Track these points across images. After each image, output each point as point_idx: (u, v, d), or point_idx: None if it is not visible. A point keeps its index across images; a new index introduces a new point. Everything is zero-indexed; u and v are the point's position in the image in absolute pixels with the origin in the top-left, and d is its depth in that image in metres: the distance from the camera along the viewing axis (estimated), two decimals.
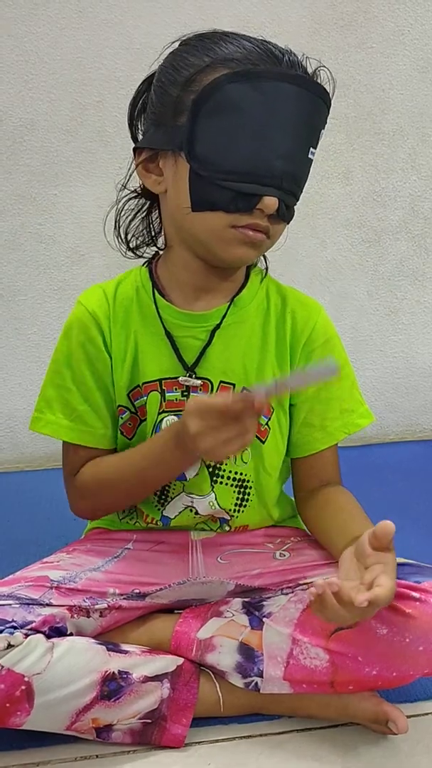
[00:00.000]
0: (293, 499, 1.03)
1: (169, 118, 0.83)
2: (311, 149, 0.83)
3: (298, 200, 0.85)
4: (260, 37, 0.82)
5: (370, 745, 0.87)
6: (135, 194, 0.95)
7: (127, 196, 0.95)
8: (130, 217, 0.96)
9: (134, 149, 0.89)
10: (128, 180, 0.94)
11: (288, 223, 0.87)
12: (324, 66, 0.84)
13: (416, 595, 0.82)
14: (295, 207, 0.86)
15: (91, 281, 1.56)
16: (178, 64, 0.82)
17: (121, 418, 0.95)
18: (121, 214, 0.96)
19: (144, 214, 0.96)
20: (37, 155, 1.50)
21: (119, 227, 0.96)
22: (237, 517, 0.97)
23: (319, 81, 0.83)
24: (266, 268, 0.98)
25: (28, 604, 0.85)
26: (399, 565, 0.87)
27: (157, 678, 0.87)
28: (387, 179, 1.62)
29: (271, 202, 0.81)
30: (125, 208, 0.96)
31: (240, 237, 0.83)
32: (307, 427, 0.96)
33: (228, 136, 0.79)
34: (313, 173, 1.55)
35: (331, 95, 0.84)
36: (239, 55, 0.79)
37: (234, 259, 0.86)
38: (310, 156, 0.83)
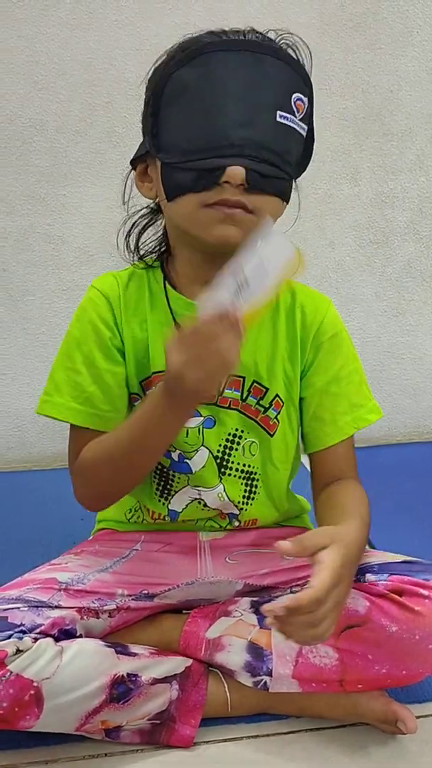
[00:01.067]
0: (301, 497, 1.04)
1: (146, 124, 0.85)
2: (280, 113, 0.80)
3: (284, 170, 0.82)
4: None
5: (379, 746, 0.87)
6: (148, 210, 0.96)
7: (136, 212, 0.96)
8: (139, 229, 0.96)
9: (131, 163, 0.90)
10: (130, 194, 0.93)
11: (281, 197, 0.84)
12: (288, 33, 0.83)
13: (425, 592, 0.82)
14: (287, 180, 0.83)
15: None
16: (152, 75, 0.84)
17: (135, 405, 0.94)
18: (132, 229, 0.96)
19: (157, 226, 0.97)
20: (46, 156, 1.50)
21: (130, 241, 0.96)
22: (246, 510, 0.97)
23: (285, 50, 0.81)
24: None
25: (37, 606, 0.85)
26: (407, 563, 0.88)
27: (166, 680, 0.87)
28: (395, 180, 1.62)
29: (234, 172, 0.78)
30: (137, 222, 0.96)
31: (215, 215, 0.80)
32: (317, 421, 0.95)
33: (184, 119, 0.80)
34: (321, 174, 1.58)
35: (302, 60, 0.83)
36: (190, 43, 0.80)
37: (218, 241, 0.82)
38: (280, 120, 0.80)
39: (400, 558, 0.89)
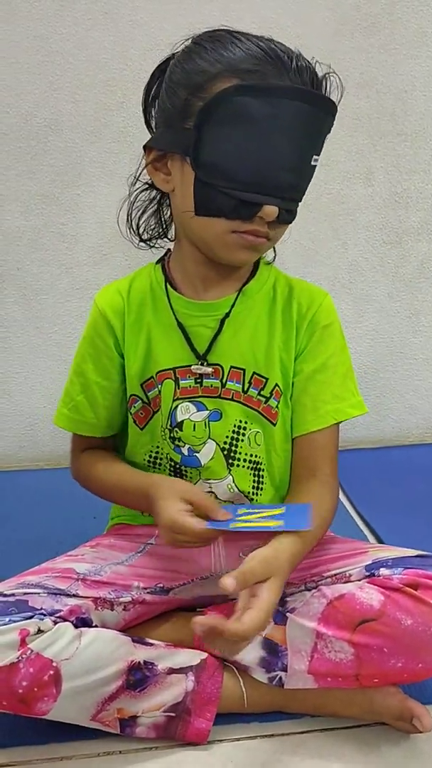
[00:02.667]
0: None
1: (177, 121, 0.84)
2: (314, 156, 0.85)
3: (299, 203, 0.88)
4: (269, 37, 0.83)
5: (393, 746, 0.87)
6: (147, 186, 0.98)
7: (139, 188, 0.99)
8: (141, 210, 1.00)
9: (144, 147, 0.91)
10: (139, 175, 0.97)
11: (289, 224, 0.89)
12: (333, 71, 0.86)
13: None
14: (297, 209, 0.89)
15: (112, 281, 1.58)
16: (188, 67, 0.83)
17: (134, 407, 0.98)
18: (134, 207, 1.00)
19: (155, 206, 1.00)
20: (60, 155, 1.51)
21: (131, 219, 1.00)
22: (256, 500, 0.98)
23: (327, 85, 0.85)
24: (273, 258, 1.01)
25: (56, 594, 0.86)
26: (422, 557, 0.88)
27: (182, 670, 0.87)
28: (409, 180, 1.62)
29: (271, 211, 0.83)
30: (138, 199, 0.99)
31: (241, 242, 0.86)
32: (299, 406, 0.97)
33: (234, 146, 0.81)
34: (335, 174, 1.58)
35: (339, 99, 0.85)
36: (249, 63, 0.80)
37: (235, 261, 0.91)
38: (313, 163, 0.86)
39: (414, 552, 0.90)
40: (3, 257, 1.56)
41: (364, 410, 0.99)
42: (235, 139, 0.80)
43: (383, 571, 0.86)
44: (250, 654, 0.88)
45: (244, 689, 0.89)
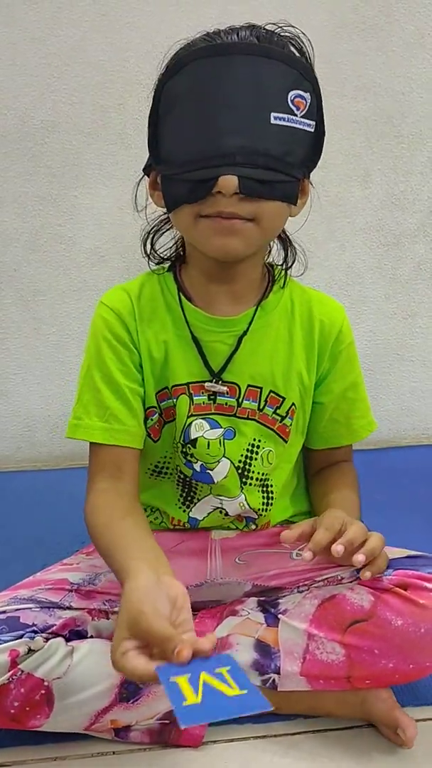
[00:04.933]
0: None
1: (148, 136, 0.85)
2: (274, 114, 0.78)
3: (284, 172, 0.80)
4: (248, 24, 0.82)
5: (385, 749, 0.87)
6: (164, 214, 0.95)
7: (159, 218, 0.97)
8: (153, 235, 0.98)
9: (144, 170, 0.91)
10: (146, 200, 0.93)
11: (284, 200, 0.82)
12: (289, 26, 0.82)
13: (430, 585, 0.83)
14: (290, 182, 0.81)
15: (110, 282, 1.57)
16: (155, 84, 0.84)
17: (150, 420, 0.95)
18: (149, 234, 0.97)
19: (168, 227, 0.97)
20: (58, 157, 1.51)
21: (148, 242, 0.97)
22: (264, 515, 0.98)
23: (285, 45, 0.80)
24: (286, 269, 0.98)
25: (49, 607, 0.86)
26: (412, 557, 0.89)
27: None
28: (406, 182, 1.62)
29: (225, 182, 0.77)
30: (154, 227, 0.97)
31: (212, 226, 0.81)
32: (333, 423, 0.99)
33: (178, 130, 0.80)
34: (332, 176, 1.58)
35: (301, 50, 0.81)
36: (181, 51, 0.80)
37: (217, 252, 0.83)
38: (275, 122, 0.78)
39: (404, 553, 0.90)
40: (1, 259, 1.57)
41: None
42: (177, 123, 0.80)
43: None
44: (244, 657, 0.88)
45: None
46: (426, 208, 1.65)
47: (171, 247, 0.98)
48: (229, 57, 0.77)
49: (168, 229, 0.97)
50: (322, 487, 1.00)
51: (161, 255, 0.98)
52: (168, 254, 0.98)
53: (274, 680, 0.87)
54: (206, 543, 0.99)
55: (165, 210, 0.91)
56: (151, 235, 0.97)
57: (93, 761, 0.86)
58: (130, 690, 0.85)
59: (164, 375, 0.93)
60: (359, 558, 0.78)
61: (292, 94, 0.79)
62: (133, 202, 0.94)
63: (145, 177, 0.91)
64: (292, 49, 0.82)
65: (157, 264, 0.97)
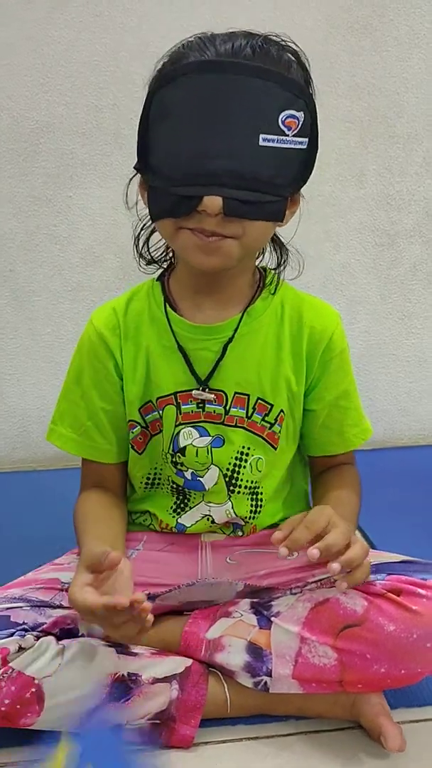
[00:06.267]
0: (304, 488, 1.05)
1: (138, 141, 0.84)
2: (263, 136, 0.76)
3: (271, 193, 0.79)
4: (243, 32, 0.80)
5: (378, 750, 0.87)
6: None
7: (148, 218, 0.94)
8: (147, 235, 0.96)
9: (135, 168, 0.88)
10: (136, 199, 0.91)
11: (273, 220, 0.82)
12: (285, 39, 0.80)
13: (423, 591, 0.83)
14: (277, 202, 0.80)
15: (105, 283, 1.58)
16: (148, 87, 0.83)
17: (132, 432, 0.96)
18: (142, 230, 0.96)
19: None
20: (52, 157, 1.51)
21: (139, 244, 0.96)
22: (250, 523, 0.98)
23: (281, 58, 0.78)
24: (278, 273, 0.96)
25: (39, 606, 0.86)
26: (405, 562, 0.89)
27: (166, 679, 0.87)
28: (401, 182, 1.62)
29: (211, 202, 0.76)
30: (145, 226, 0.96)
31: (192, 240, 0.80)
32: (325, 430, 0.98)
33: (167, 143, 0.78)
34: (327, 176, 1.58)
35: (297, 62, 0.80)
36: (175, 57, 0.79)
37: (196, 265, 0.83)
38: (264, 144, 0.76)
39: (398, 558, 0.90)
40: None
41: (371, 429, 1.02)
42: (166, 136, 0.78)
43: None
44: (236, 659, 0.88)
45: (228, 695, 0.89)
46: (421, 209, 1.65)
47: (162, 249, 0.97)
48: (221, 75, 0.75)
49: (155, 231, 0.95)
50: (321, 488, 0.99)
51: (152, 255, 0.97)
52: (158, 256, 0.97)
53: (265, 683, 0.87)
54: (196, 543, 0.99)
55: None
56: (142, 235, 0.96)
57: None
58: (121, 690, 0.85)
59: (148, 389, 0.94)
60: (334, 567, 0.77)
61: (283, 114, 0.77)
62: (124, 199, 0.92)
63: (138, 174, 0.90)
64: (289, 58, 0.80)
65: (147, 264, 0.97)
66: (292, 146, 0.79)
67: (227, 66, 0.75)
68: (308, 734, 0.89)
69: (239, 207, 0.77)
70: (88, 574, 0.78)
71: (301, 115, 0.79)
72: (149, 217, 0.93)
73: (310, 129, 0.81)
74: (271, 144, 0.77)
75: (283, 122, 0.78)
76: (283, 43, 0.80)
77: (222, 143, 0.76)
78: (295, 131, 0.79)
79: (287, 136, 0.78)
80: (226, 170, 0.76)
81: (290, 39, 0.82)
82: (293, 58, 0.80)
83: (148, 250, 0.96)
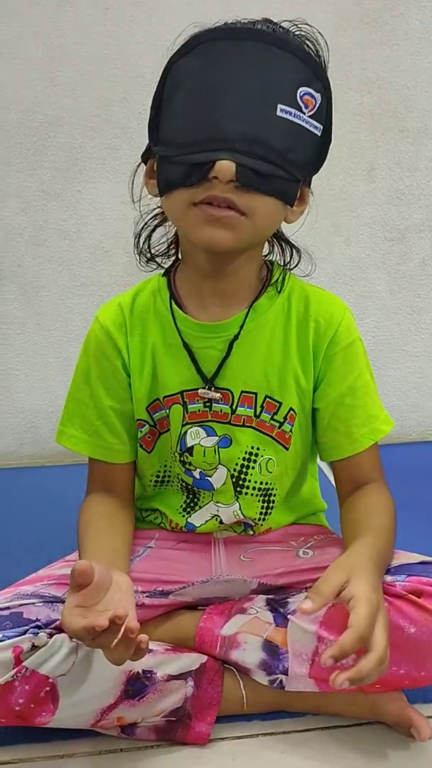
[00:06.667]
0: (315, 486, 1.03)
1: (150, 118, 0.83)
2: (281, 106, 0.75)
3: (283, 168, 0.77)
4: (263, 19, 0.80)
5: (396, 746, 0.86)
6: (160, 208, 0.92)
7: (152, 212, 0.93)
8: (150, 230, 0.94)
9: (142, 157, 0.87)
10: (140, 192, 0.90)
11: (280, 198, 0.79)
12: (305, 24, 0.79)
13: None
14: (288, 180, 0.78)
15: (114, 277, 1.58)
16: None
17: (140, 431, 0.94)
18: (143, 230, 0.93)
19: (160, 220, 0.94)
20: (61, 151, 1.51)
21: (140, 240, 0.94)
22: (261, 524, 0.97)
23: (295, 38, 0.77)
24: (285, 266, 0.94)
25: (52, 602, 0.85)
26: (423, 563, 0.87)
27: (181, 676, 0.87)
28: (411, 177, 1.61)
29: (223, 166, 0.73)
30: (148, 222, 0.94)
31: (202, 215, 0.77)
32: (332, 432, 0.93)
33: (182, 111, 0.77)
34: (337, 170, 1.57)
35: (316, 51, 0.79)
36: (196, 33, 0.78)
37: (204, 243, 0.80)
38: (281, 114, 0.75)
39: (417, 558, 0.89)
40: (3, 254, 1.56)
41: (392, 424, 0.96)
42: (181, 103, 0.77)
43: (386, 577, 0.84)
44: (251, 656, 0.88)
45: (244, 692, 0.89)
46: (431, 203, 1.64)
47: (162, 246, 0.94)
48: (242, 41, 0.75)
49: (160, 225, 0.93)
50: (349, 515, 0.92)
51: (152, 252, 0.94)
52: (162, 251, 0.95)
53: (281, 681, 0.87)
54: (209, 540, 0.99)
55: (159, 201, 0.88)
56: (145, 230, 0.94)
57: (100, 759, 0.86)
58: (135, 687, 0.84)
59: (155, 387, 0.92)
60: (338, 681, 0.69)
61: (301, 90, 0.77)
62: (129, 192, 0.90)
63: (143, 166, 0.88)
64: (308, 48, 0.79)
65: (147, 262, 0.94)
66: (307, 126, 0.78)
67: (247, 33, 0.75)
68: (325, 730, 0.89)
69: (251, 176, 0.75)
70: (75, 594, 0.74)
71: (318, 96, 0.78)
72: (152, 212, 0.92)
73: (325, 116, 0.81)
74: (287, 117, 0.76)
75: (301, 98, 0.77)
76: (303, 27, 0.80)
77: (237, 107, 0.75)
78: (312, 112, 0.78)
79: (304, 113, 0.77)
80: (239, 134, 0.74)
81: (306, 22, 0.81)
82: (314, 44, 0.80)
83: (149, 248, 0.94)
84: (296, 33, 0.80)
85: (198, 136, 0.75)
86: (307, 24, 0.80)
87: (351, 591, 0.72)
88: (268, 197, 0.78)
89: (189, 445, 0.92)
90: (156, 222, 0.93)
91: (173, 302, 0.91)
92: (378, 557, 0.80)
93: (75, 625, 0.71)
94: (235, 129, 0.74)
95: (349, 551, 0.80)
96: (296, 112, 0.77)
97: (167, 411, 0.92)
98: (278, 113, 0.75)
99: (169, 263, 0.96)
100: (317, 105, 0.78)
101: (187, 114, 0.77)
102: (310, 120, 0.78)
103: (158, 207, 0.92)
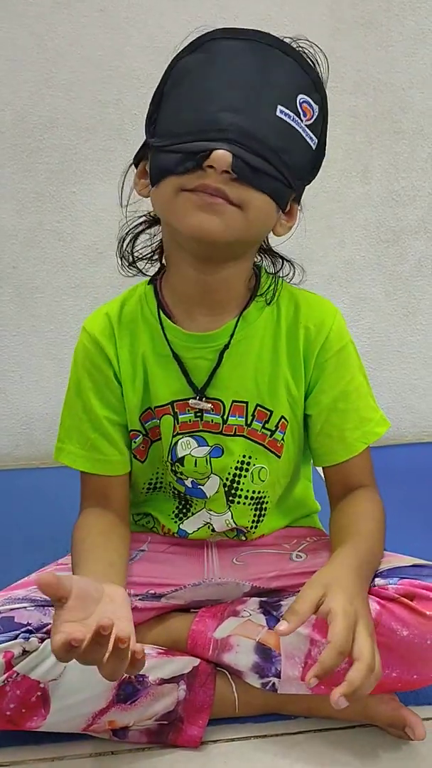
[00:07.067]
0: (308, 488, 1.03)
1: (147, 115, 0.82)
2: (281, 107, 0.75)
3: (277, 168, 0.76)
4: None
5: (388, 748, 0.86)
6: (145, 216, 0.91)
7: (141, 218, 0.92)
8: (133, 236, 0.92)
9: (134, 160, 0.86)
10: (129, 195, 0.89)
11: (272, 198, 0.78)
12: (305, 40, 0.80)
13: None
14: (281, 181, 0.77)
15: (108, 279, 1.58)
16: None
17: (134, 442, 0.93)
18: (127, 233, 0.92)
19: (146, 226, 0.92)
20: (56, 153, 1.50)
21: (123, 246, 0.92)
22: (254, 531, 0.97)
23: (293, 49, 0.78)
24: (275, 283, 0.91)
25: (43, 605, 0.85)
26: (415, 566, 0.87)
27: (173, 680, 0.86)
28: (406, 179, 1.61)
29: (219, 155, 0.72)
30: (131, 230, 0.92)
31: (193, 200, 0.75)
32: (325, 437, 0.92)
33: (180, 103, 0.77)
34: (332, 172, 1.57)
35: (317, 65, 0.79)
36: (201, 36, 0.79)
37: (193, 232, 0.77)
38: (280, 115, 0.75)
39: (409, 561, 0.88)
40: None
41: (388, 425, 0.95)
42: (180, 96, 0.77)
43: (378, 580, 0.84)
44: (244, 659, 0.88)
45: (236, 695, 0.88)
46: (426, 205, 1.64)
47: (145, 250, 0.93)
48: (248, 42, 0.76)
49: (144, 230, 0.92)
50: (338, 521, 0.91)
51: (135, 257, 0.93)
52: (143, 253, 0.93)
53: (273, 684, 0.87)
54: (202, 543, 0.99)
55: (148, 203, 0.86)
56: (129, 236, 0.92)
57: (91, 761, 0.86)
58: (127, 691, 0.84)
59: (147, 396, 0.91)
60: (340, 703, 0.68)
61: (301, 97, 0.77)
62: (119, 194, 0.89)
63: (134, 170, 0.87)
64: (309, 60, 0.80)
65: (129, 266, 0.93)
66: (304, 134, 0.78)
67: (252, 34, 0.76)
68: (317, 732, 0.89)
69: (246, 170, 0.74)
70: (60, 610, 0.68)
71: (316, 108, 0.79)
72: (139, 217, 0.91)
73: (320, 131, 0.81)
74: (286, 119, 0.76)
75: (300, 104, 0.77)
76: (302, 43, 0.80)
77: (237, 101, 0.75)
78: (309, 121, 0.78)
79: (301, 121, 0.77)
80: (237, 127, 0.74)
81: (306, 38, 0.81)
82: (313, 57, 0.80)
83: (132, 253, 0.92)
84: (296, 47, 0.80)
85: (194, 126, 0.75)
86: (306, 40, 0.80)
87: (327, 605, 0.71)
88: (260, 193, 0.77)
89: (180, 455, 0.92)
90: (142, 227, 0.92)
91: (161, 311, 0.90)
92: (360, 564, 0.80)
93: (53, 644, 0.65)
94: (234, 122, 0.74)
95: (330, 562, 0.80)
96: (295, 116, 0.77)
97: (158, 421, 0.92)
98: (277, 113, 0.76)
99: (153, 270, 0.94)
100: (314, 116, 0.79)
101: (186, 106, 0.76)
102: (306, 129, 0.78)
103: (146, 214, 0.91)
